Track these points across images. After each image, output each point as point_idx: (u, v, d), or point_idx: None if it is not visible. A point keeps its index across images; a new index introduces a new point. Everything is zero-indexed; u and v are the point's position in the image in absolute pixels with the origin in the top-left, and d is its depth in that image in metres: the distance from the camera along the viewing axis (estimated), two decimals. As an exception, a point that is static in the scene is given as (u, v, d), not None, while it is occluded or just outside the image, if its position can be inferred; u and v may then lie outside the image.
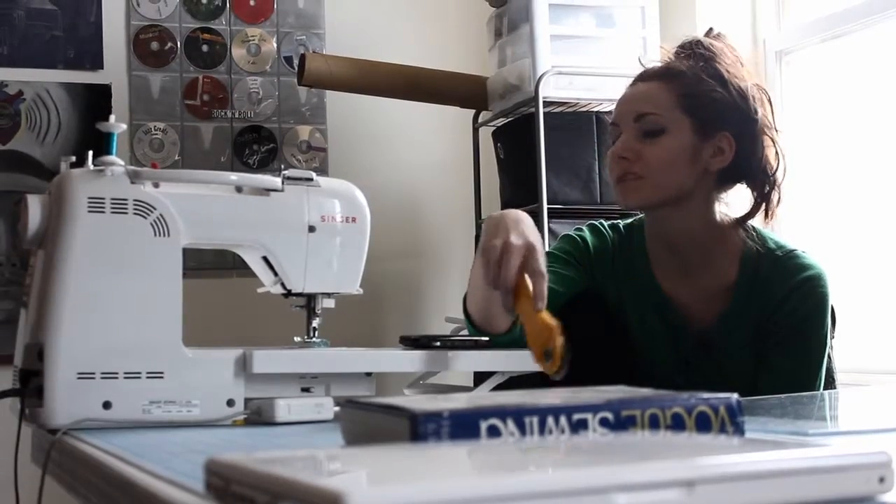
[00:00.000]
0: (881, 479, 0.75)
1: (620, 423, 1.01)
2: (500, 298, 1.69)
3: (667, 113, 2.00)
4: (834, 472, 0.74)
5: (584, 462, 0.73)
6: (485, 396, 1.19)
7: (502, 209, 3.62)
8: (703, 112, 2.00)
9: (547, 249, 2.19)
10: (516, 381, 1.80)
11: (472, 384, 2.79)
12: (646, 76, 2.08)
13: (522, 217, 1.83)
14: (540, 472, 0.69)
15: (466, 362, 1.85)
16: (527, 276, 1.66)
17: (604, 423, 1.00)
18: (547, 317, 1.62)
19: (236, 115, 4.06)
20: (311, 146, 4.10)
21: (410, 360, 1.76)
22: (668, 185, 2.00)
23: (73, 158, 1.70)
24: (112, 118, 1.84)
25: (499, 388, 1.84)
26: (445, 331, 3.49)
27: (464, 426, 0.97)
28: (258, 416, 1.64)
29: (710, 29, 2.17)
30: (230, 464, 0.79)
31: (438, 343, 1.82)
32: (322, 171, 4.00)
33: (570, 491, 0.65)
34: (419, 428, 0.96)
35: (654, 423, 1.02)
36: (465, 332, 2.36)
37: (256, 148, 4.05)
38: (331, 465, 0.77)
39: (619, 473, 0.67)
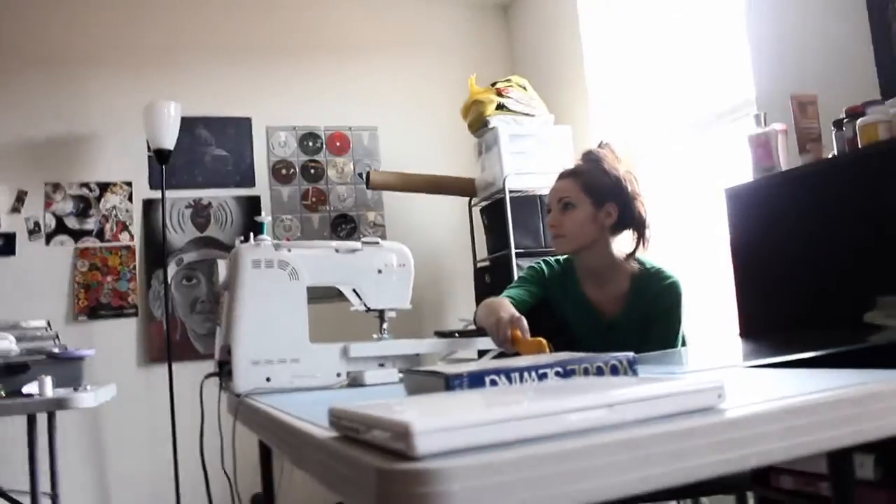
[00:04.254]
0: (719, 395, 0.75)
1: (567, 373, 1.00)
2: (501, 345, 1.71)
3: (575, 195, 2.02)
4: (692, 393, 0.73)
5: (549, 397, 0.73)
6: (485, 363, 1.18)
7: (488, 255, 3.64)
8: (596, 192, 2.02)
9: (520, 274, 2.20)
10: (503, 354, 1.80)
11: (476, 357, 2.78)
12: (563, 175, 2.09)
13: (501, 301, 1.89)
14: (524, 404, 0.68)
15: (474, 345, 1.84)
16: (517, 330, 1.67)
17: (557, 374, 1.00)
18: (534, 339, 1.62)
19: (332, 209, 4.06)
20: (375, 224, 4.09)
21: (442, 345, 1.76)
22: (579, 238, 2.02)
23: (242, 237, 1.70)
24: (263, 214, 1.84)
25: (494, 359, 1.83)
26: (458, 326, 3.48)
27: (476, 380, 0.96)
28: (355, 381, 1.63)
29: (601, 141, 2.16)
30: (342, 409, 0.79)
31: (457, 334, 1.82)
32: (382, 237, 4.00)
33: (543, 413, 0.65)
34: (450, 383, 0.96)
35: (586, 372, 1.01)
36: (472, 326, 2.36)
37: (344, 226, 4.04)
38: (400, 407, 0.76)
39: (570, 402, 0.66)
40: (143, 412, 3.64)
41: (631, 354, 1.05)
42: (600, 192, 2.02)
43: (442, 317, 4.07)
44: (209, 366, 2.74)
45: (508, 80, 3.57)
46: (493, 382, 0.97)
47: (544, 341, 1.60)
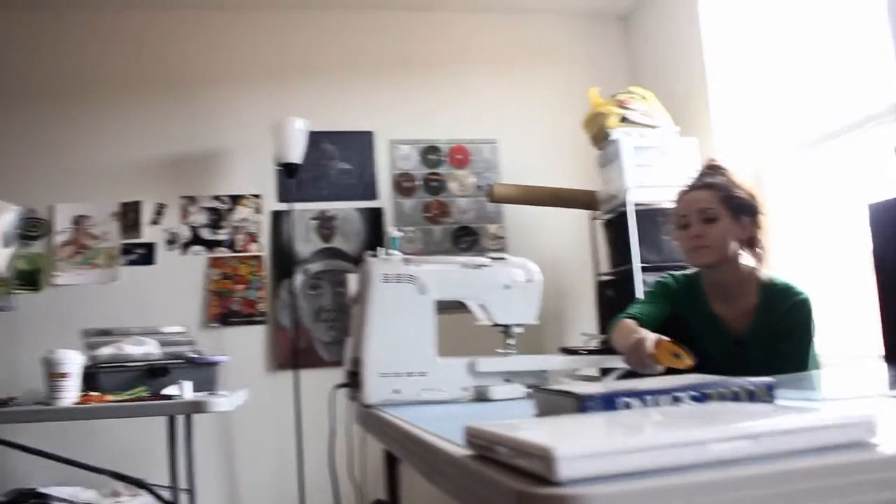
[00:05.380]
0: (870, 430, 0.72)
1: (702, 398, 0.99)
2: (643, 365, 1.69)
3: (717, 207, 2.00)
4: (841, 427, 0.71)
5: (691, 424, 0.72)
6: (614, 384, 1.17)
7: (610, 269, 3.59)
8: (734, 205, 2.00)
9: (647, 288, 2.19)
10: (628, 374, 1.78)
11: (599, 375, 2.74)
12: (698, 187, 2.07)
13: (631, 323, 1.89)
14: (667, 431, 0.68)
15: (600, 362, 1.83)
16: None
17: (692, 398, 0.98)
18: (669, 343, 1.65)
19: (453, 221, 4.10)
20: (496, 236, 4.10)
21: (568, 362, 1.75)
22: (723, 250, 2.00)
23: (372, 252, 1.74)
24: (393, 229, 1.89)
25: (618, 378, 1.82)
26: (580, 340, 3.45)
27: (609, 402, 0.96)
28: (480, 396, 1.65)
29: (711, 158, 2.18)
30: (479, 428, 0.80)
31: (584, 352, 1.81)
32: (503, 250, 4.01)
33: (686, 442, 0.64)
34: (583, 404, 0.95)
35: (722, 397, 0.99)
36: (594, 341, 2.34)
37: (465, 239, 4.07)
38: (539, 429, 0.77)
39: (714, 432, 0.66)
40: (269, 416, 3.78)
41: (769, 380, 1.02)
42: (736, 206, 2.00)
43: (563, 331, 4.04)
44: (333, 373, 2.77)
45: (630, 92, 3.52)
46: (627, 405, 0.96)
47: (676, 343, 1.60)
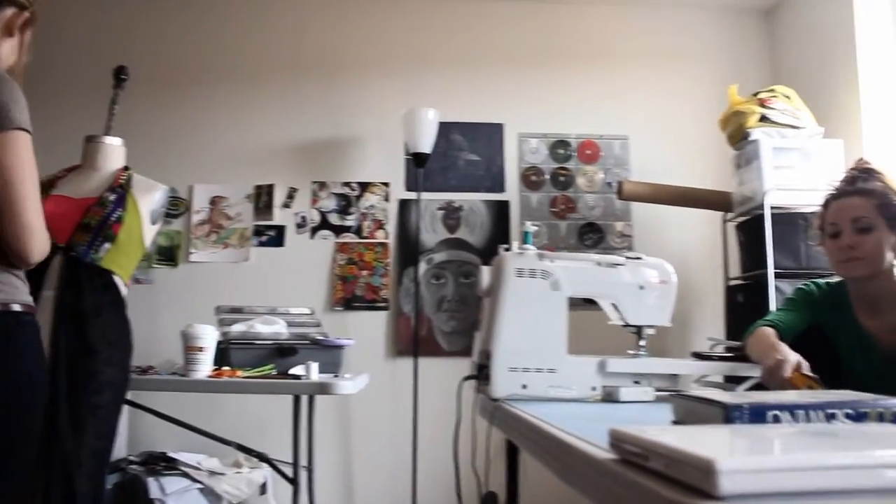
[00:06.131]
0: None
1: (858, 416, 0.94)
2: (780, 386, 1.62)
3: (872, 216, 1.88)
4: None
5: (858, 446, 0.69)
6: (758, 395, 1.13)
7: (742, 274, 3.47)
8: (891, 214, 1.88)
9: (789, 295, 2.10)
10: (759, 385, 1.72)
11: (722, 381, 2.65)
12: (851, 192, 1.94)
13: (770, 333, 1.81)
14: (833, 450, 0.65)
15: (735, 370, 1.77)
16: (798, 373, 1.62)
17: (848, 416, 0.94)
18: (804, 375, 1.59)
19: (579, 217, 4.06)
20: (623, 234, 4.04)
21: (702, 367, 1.71)
22: (878, 263, 1.88)
23: (507, 245, 1.74)
24: (527, 223, 1.88)
25: (748, 390, 1.76)
26: (706, 345, 3.36)
27: (756, 414, 0.93)
28: (609, 396, 1.63)
29: (861, 158, 2.05)
30: (627, 433, 0.79)
31: (715, 357, 1.76)
32: (629, 248, 3.95)
33: (857, 465, 0.61)
34: (730, 414, 0.93)
35: (881, 418, 0.94)
36: (721, 347, 2.27)
37: (591, 236, 4.02)
38: (695, 439, 0.75)
39: (887, 456, 0.62)
40: (387, 401, 3.85)
41: (934, 403, 0.96)
42: (894, 214, 1.88)
43: (688, 335, 3.93)
44: (453, 362, 2.73)
45: (772, 90, 3.38)
46: (776, 418, 0.93)
47: (814, 377, 1.53)
